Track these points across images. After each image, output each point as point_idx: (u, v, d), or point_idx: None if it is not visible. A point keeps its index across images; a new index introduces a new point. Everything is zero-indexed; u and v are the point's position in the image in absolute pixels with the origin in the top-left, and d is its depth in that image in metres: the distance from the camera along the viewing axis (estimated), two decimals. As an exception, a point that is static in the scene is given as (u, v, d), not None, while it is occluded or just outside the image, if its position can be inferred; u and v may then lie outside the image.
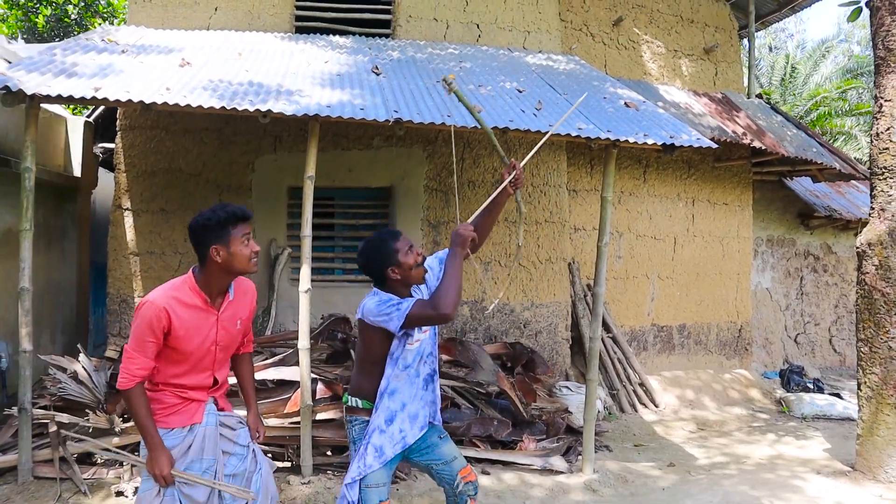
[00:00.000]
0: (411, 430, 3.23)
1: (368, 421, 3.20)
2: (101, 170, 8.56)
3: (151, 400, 2.93)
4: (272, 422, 5.06)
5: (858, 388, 5.72)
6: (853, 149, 18.26)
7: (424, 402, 3.31)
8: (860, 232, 5.84)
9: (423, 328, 3.22)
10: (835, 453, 6.37)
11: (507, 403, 5.81)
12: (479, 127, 3.70)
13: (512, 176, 3.28)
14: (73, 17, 13.65)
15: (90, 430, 4.94)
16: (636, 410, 7.66)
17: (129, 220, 6.78)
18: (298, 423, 5.01)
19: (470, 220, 3.26)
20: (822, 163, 8.46)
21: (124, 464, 4.86)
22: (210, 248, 2.86)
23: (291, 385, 5.32)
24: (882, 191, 5.61)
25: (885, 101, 5.61)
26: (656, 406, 7.85)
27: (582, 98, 4.24)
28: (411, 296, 3.21)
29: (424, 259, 3.23)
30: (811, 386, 9.07)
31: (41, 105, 4.94)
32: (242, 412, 3.35)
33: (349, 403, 3.29)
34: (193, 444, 2.96)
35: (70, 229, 7.67)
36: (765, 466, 5.96)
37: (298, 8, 7.51)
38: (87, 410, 4.98)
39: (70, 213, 7.67)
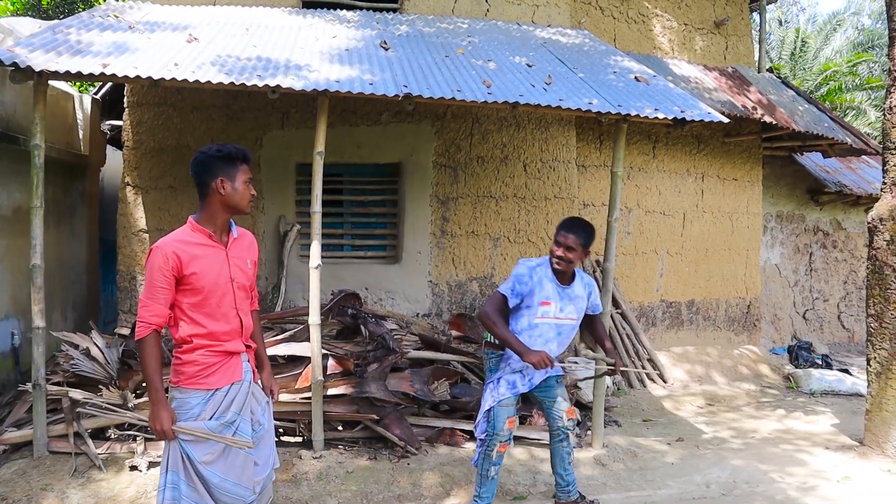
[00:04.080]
0: (537, 373, 4.00)
1: (502, 354, 4.03)
2: (108, 147, 8.55)
3: (189, 363, 2.92)
4: (283, 397, 5.08)
5: (868, 364, 5.72)
6: (863, 124, 18.10)
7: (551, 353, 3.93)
8: (871, 207, 5.80)
9: (547, 313, 3.99)
10: (843, 428, 6.38)
11: (516, 379, 5.82)
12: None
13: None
14: (78, -7, 13.56)
15: (103, 405, 4.99)
16: (645, 386, 7.68)
17: (137, 197, 6.78)
18: (309, 398, 5.04)
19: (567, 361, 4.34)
20: (833, 138, 8.40)
21: (137, 439, 4.90)
22: (217, 179, 2.91)
23: (302, 361, 5.34)
24: (894, 165, 5.57)
25: (899, 74, 5.55)
26: (665, 381, 7.87)
27: None
28: (559, 281, 4.00)
29: (570, 262, 3.94)
30: (819, 362, 9.09)
31: (49, 82, 4.92)
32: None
33: (487, 339, 4.16)
34: (224, 401, 2.95)
35: (79, 207, 7.69)
36: (773, 441, 5.99)
37: (305, -18, 7.44)
38: (99, 386, 5.01)
39: (79, 190, 7.69)
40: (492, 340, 4.08)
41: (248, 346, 3.14)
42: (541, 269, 3.97)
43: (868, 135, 15.53)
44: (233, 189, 2.95)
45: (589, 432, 5.56)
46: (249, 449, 2.98)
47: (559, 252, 3.91)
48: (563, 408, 4.12)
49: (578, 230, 3.93)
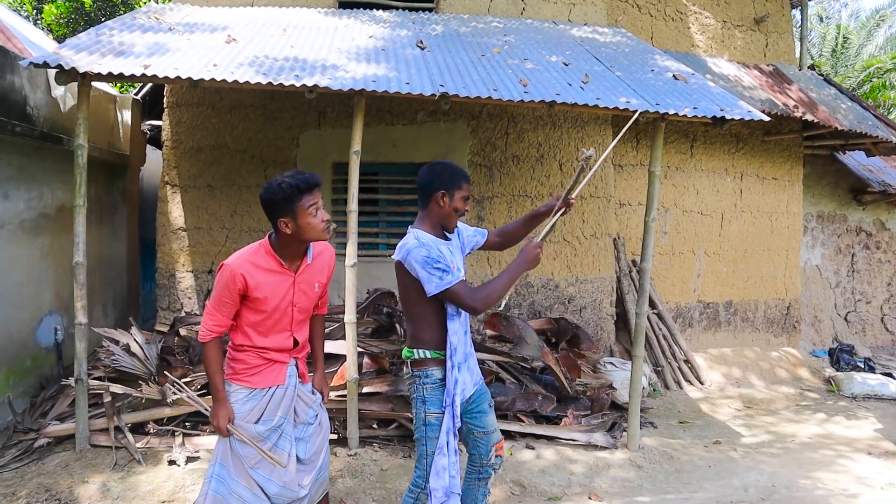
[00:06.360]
0: (471, 382, 3.23)
1: (443, 375, 3.12)
2: (148, 146, 8.69)
3: (237, 360, 3.09)
4: (319, 395, 5.13)
5: (913, 367, 5.59)
6: (908, 122, 17.66)
7: (473, 357, 3.34)
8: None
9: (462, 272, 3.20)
10: (886, 434, 6.24)
11: (551, 379, 5.80)
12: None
13: (564, 209, 3.38)
14: (119, -5, 13.82)
15: (143, 400, 5.07)
16: (681, 387, 7.59)
17: (176, 196, 6.88)
18: (345, 396, 5.07)
19: (539, 239, 3.21)
20: (877, 136, 8.21)
21: (175, 433, 4.98)
22: (279, 222, 2.93)
23: (338, 358, 5.38)
24: (942, 164, 5.43)
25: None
26: (702, 383, 7.77)
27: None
28: (445, 238, 3.23)
29: (463, 214, 3.26)
30: (862, 365, 8.89)
31: (91, 83, 5.01)
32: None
33: (414, 356, 3.16)
34: (270, 403, 3.10)
35: (120, 205, 7.82)
36: (813, 446, 5.87)
37: (342, -17, 7.50)
38: (139, 382, 5.10)
39: (120, 189, 7.82)
40: (421, 356, 3.14)
41: (297, 350, 3.25)
42: (428, 238, 3.10)
43: (913, 133, 15.14)
44: (297, 226, 2.92)
45: (625, 433, 5.51)
46: (281, 467, 3.12)
47: (468, 206, 3.26)
48: (493, 441, 3.31)
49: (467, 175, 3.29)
